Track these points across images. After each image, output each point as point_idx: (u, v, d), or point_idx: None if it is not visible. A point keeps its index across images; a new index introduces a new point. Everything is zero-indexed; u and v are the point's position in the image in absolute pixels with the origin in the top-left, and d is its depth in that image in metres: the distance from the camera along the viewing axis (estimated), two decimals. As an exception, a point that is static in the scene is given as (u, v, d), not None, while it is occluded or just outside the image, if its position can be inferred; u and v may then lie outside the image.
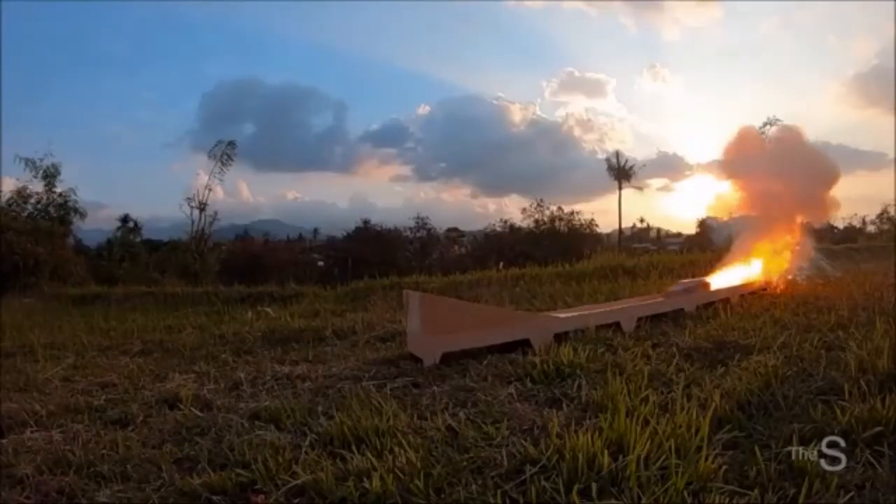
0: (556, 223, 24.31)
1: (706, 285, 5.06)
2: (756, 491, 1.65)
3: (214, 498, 1.84)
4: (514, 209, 62.89)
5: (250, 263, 19.67)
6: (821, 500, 1.62)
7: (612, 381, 2.61)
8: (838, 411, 2.12)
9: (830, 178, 5.89)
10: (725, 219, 6.70)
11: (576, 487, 1.69)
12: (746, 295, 5.23)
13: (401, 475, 1.84)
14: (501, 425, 2.26)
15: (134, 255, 21.07)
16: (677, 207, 39.54)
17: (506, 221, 25.79)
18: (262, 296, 9.07)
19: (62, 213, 16.07)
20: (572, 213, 24.92)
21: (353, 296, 8.23)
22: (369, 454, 2.01)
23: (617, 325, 4.08)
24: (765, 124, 6.59)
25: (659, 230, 38.14)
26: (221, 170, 19.40)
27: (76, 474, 2.04)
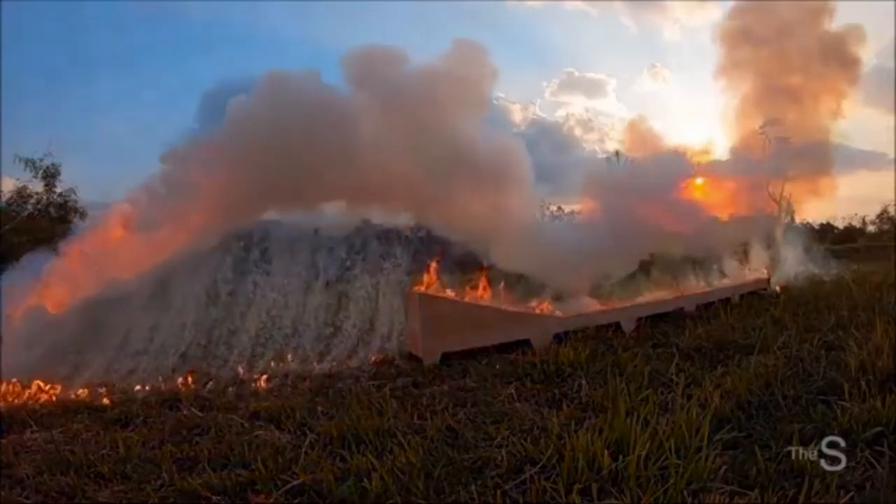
0: (557, 223, 24.39)
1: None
2: (756, 491, 1.65)
3: (214, 498, 1.84)
4: (514, 209, 62.48)
5: (250, 263, 19.64)
6: (821, 500, 1.62)
7: (612, 381, 2.61)
8: (838, 411, 2.13)
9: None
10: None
11: (576, 487, 1.69)
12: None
13: (401, 475, 1.84)
14: (501, 425, 2.26)
15: (134, 255, 21.00)
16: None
17: (506, 221, 25.84)
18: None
19: (62, 213, 16.03)
20: (572, 212, 24.97)
21: (353, 295, 8.19)
22: (369, 454, 2.01)
23: (617, 325, 4.08)
24: (765, 124, 6.49)
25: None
26: (222, 170, 19.34)
27: (76, 474, 2.04)
